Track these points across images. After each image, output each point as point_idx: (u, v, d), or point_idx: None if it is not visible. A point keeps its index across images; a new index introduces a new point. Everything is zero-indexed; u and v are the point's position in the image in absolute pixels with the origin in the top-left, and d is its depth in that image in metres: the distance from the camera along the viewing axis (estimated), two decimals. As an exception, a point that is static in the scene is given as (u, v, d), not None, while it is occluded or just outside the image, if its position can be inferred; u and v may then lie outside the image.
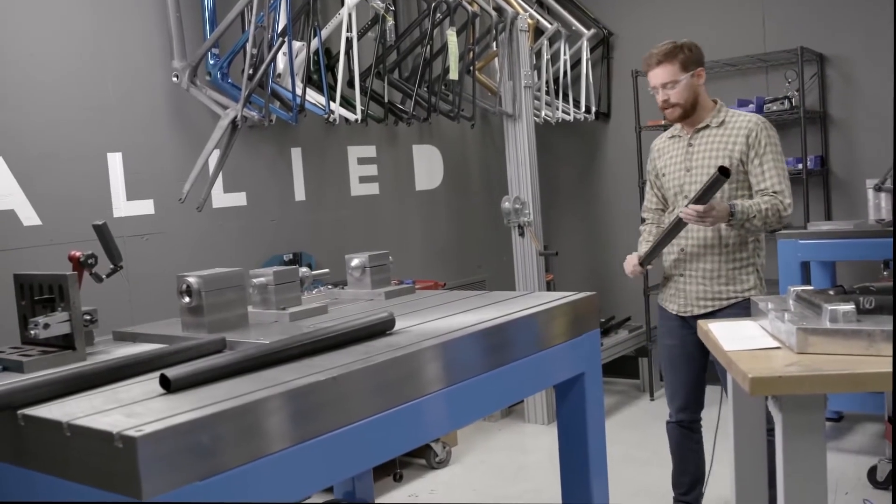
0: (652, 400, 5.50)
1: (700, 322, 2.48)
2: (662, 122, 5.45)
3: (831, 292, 2.16)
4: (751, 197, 3.09)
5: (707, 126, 3.17)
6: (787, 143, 3.85)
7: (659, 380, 5.65)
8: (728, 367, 2.04)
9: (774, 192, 3.04)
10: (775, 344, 2.06)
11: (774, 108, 5.00)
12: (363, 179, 4.82)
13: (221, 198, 4.00)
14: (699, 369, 3.29)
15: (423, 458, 4.44)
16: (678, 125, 3.28)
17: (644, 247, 3.33)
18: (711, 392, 3.23)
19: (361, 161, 4.80)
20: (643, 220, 3.46)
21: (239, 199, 4.10)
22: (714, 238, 3.13)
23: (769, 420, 2.19)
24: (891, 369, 1.77)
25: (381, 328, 1.99)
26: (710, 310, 3.16)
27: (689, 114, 3.16)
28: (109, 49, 3.58)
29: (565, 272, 6.14)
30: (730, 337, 2.17)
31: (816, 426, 1.84)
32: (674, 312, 3.27)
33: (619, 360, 5.54)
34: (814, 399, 1.83)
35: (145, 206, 3.69)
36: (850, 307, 1.97)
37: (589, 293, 2.44)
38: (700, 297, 3.18)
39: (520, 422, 5.19)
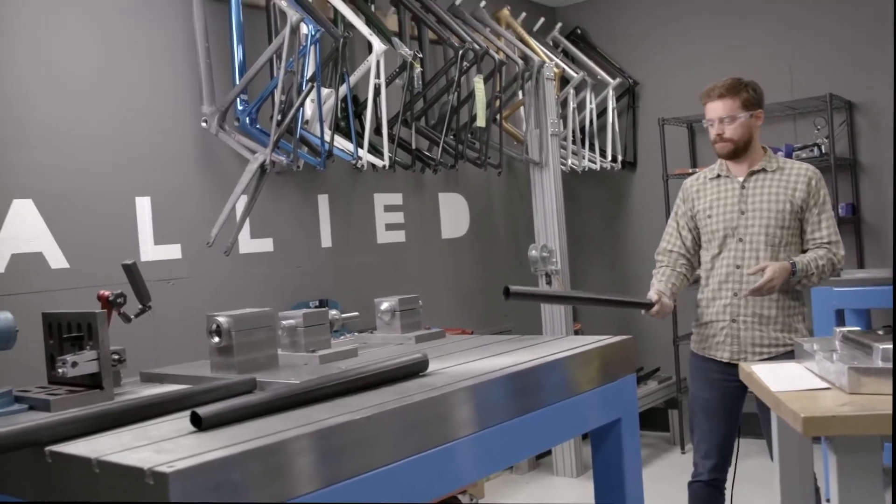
0: (683, 453, 5.36)
1: (742, 364, 2.41)
2: (690, 171, 5.43)
3: (880, 332, 2.09)
4: (802, 243, 3.07)
5: (763, 170, 3.12)
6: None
7: (691, 432, 5.52)
8: (776, 408, 1.97)
9: (829, 243, 3.03)
10: (824, 385, 1.99)
11: (804, 155, 4.94)
12: (389, 227, 4.79)
13: (248, 243, 3.99)
14: (735, 424, 3.16)
15: (449, 510, 4.33)
16: (720, 166, 3.21)
17: (654, 288, 3.18)
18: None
19: (388, 208, 4.78)
20: (659, 262, 3.31)
21: (266, 244, 4.08)
22: None
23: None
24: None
25: (415, 369, 1.94)
26: (766, 357, 3.03)
27: (740, 153, 3.12)
28: (140, 93, 3.61)
29: (593, 321, 6.05)
30: (776, 378, 2.10)
31: (874, 469, 1.76)
32: (724, 360, 3.11)
33: (648, 412, 5.42)
34: (869, 440, 1.76)
35: (173, 251, 3.68)
36: (901, 347, 1.90)
37: (625, 337, 2.37)
38: (756, 343, 3.06)
39: (548, 474, 5.07)
